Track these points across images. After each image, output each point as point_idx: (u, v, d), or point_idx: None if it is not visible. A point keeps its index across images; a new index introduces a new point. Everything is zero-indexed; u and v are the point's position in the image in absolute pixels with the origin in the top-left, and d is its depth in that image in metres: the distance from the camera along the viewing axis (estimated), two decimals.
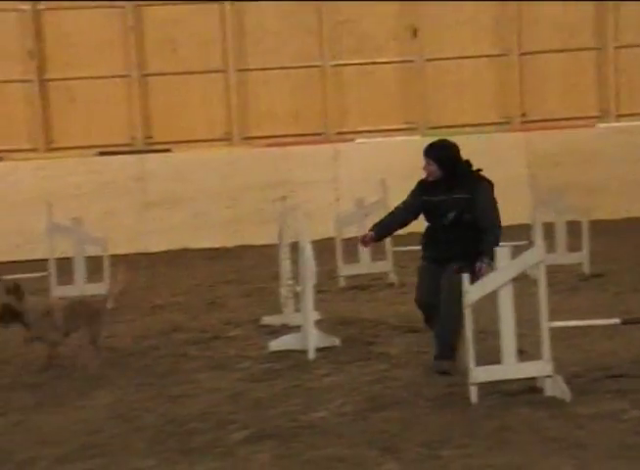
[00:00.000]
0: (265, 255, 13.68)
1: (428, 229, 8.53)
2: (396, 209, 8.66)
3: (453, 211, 8.20)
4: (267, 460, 6.16)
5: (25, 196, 15.86)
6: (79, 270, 11.88)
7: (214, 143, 17.23)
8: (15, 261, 14.79)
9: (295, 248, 9.32)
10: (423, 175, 8.51)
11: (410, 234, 16.06)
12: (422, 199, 8.41)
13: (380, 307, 10.78)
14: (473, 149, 17.78)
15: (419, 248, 13.61)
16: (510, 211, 16.79)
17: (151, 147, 17.03)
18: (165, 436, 6.75)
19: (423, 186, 8.48)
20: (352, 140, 17.01)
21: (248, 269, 13.26)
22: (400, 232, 15.79)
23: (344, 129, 17.35)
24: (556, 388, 7.10)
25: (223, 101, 17.27)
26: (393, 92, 17.64)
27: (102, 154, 16.51)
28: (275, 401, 7.42)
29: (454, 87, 17.73)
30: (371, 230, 8.61)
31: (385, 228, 8.67)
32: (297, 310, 9.60)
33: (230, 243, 16.02)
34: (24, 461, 6.35)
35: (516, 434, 6.42)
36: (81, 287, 11.74)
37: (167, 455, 6.34)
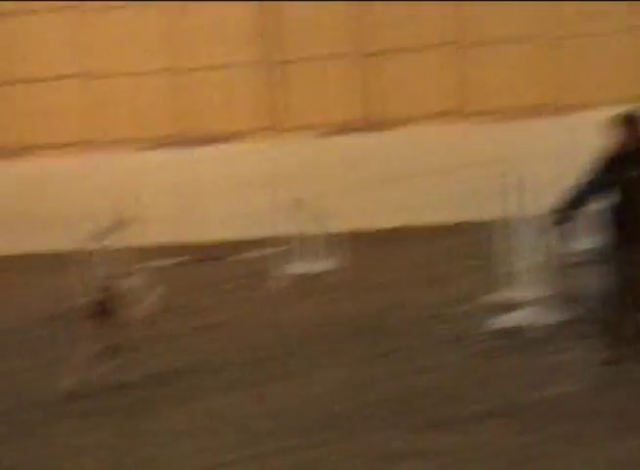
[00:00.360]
0: (487, 231, 13.57)
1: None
2: None
3: None
4: (497, 437, 6.14)
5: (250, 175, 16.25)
6: (304, 248, 12.12)
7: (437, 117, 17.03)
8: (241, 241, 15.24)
9: (517, 223, 9.21)
10: None
11: None
12: None
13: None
14: None
15: None
16: None
17: None
18: (398, 410, 6.85)
19: None
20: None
21: (468, 246, 13.18)
22: None
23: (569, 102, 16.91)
24: None
25: None
26: None
27: None
28: (505, 378, 7.39)
29: None
30: None
31: None
32: (523, 287, 9.49)
33: (449, 219, 15.93)
34: (260, 432, 6.57)
35: None
36: (306, 265, 12.00)
37: (402, 429, 6.42)
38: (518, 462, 5.70)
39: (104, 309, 7.96)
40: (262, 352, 8.81)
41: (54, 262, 12.10)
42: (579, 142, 15.95)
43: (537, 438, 6.08)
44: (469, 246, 13.24)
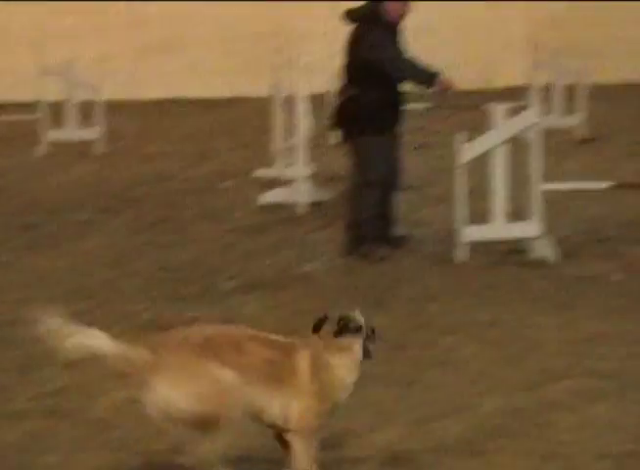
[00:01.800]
0: (259, 107, 13.57)
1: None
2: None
3: None
4: (256, 310, 6.25)
5: (19, 35, 15.61)
6: (71, 115, 11.78)
7: None
8: (5, 104, 14.65)
9: (289, 101, 9.24)
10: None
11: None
12: None
13: None
14: (473, 9, 17.45)
15: (413, 107, 13.48)
16: (508, 71, 16.65)
17: None
18: (156, 282, 6.83)
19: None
20: None
21: (241, 121, 13.19)
22: None
23: None
24: (543, 249, 7.16)
25: None
26: None
27: None
28: (265, 253, 7.48)
29: None
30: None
31: None
32: (290, 164, 9.59)
33: (224, 93, 15.85)
34: (17, 301, 6.42)
35: (502, 292, 6.51)
36: (73, 132, 11.67)
37: (157, 301, 6.42)
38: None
39: None
40: (23, 219, 8.57)
41: None
42: None
43: (291, 312, 6.21)
44: (241, 121, 13.24)
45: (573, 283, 6.65)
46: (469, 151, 7.15)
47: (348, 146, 7.20)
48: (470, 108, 13.20)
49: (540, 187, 7.18)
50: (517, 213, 7.60)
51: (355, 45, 7.25)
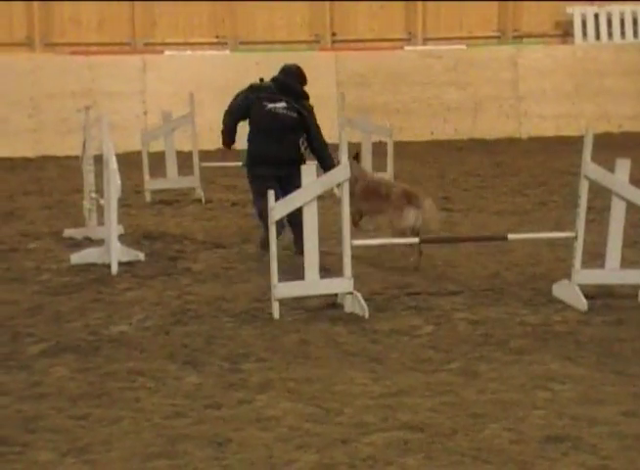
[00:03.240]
0: (68, 166, 13.35)
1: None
2: None
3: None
4: (65, 373, 6.08)
5: None
6: None
7: (14, 48, 16.58)
8: None
9: (99, 160, 9.12)
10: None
11: (218, 150, 16.03)
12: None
13: (185, 223, 10.73)
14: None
15: (227, 164, 13.61)
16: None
17: None
18: None
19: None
20: (161, 52, 16.70)
21: (49, 181, 12.93)
22: (209, 147, 15.75)
23: (153, 40, 17.02)
24: (355, 304, 7.26)
25: (24, 3, 16.59)
26: (203, 5, 17.37)
27: None
28: (75, 315, 7.31)
29: (265, 3, 17.61)
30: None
31: None
32: (101, 224, 9.44)
33: (31, 153, 15.54)
34: None
35: (316, 348, 6.55)
36: None
37: None
38: (84, 397, 5.66)
39: None
40: None
41: None
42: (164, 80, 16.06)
43: (102, 374, 6.07)
44: (49, 180, 12.97)
45: (384, 337, 6.76)
46: (280, 208, 7.21)
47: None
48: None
49: (351, 243, 7.30)
50: (330, 269, 7.70)
51: (303, 113, 9.06)
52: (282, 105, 9.06)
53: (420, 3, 18.22)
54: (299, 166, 7.44)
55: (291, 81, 9.17)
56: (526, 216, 10.61)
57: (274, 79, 9.25)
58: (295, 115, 9.03)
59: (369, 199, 8.94)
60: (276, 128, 8.99)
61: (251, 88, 9.26)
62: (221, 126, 9.40)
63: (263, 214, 8.03)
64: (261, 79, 9.41)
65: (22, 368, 6.18)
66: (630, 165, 7.42)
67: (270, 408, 5.49)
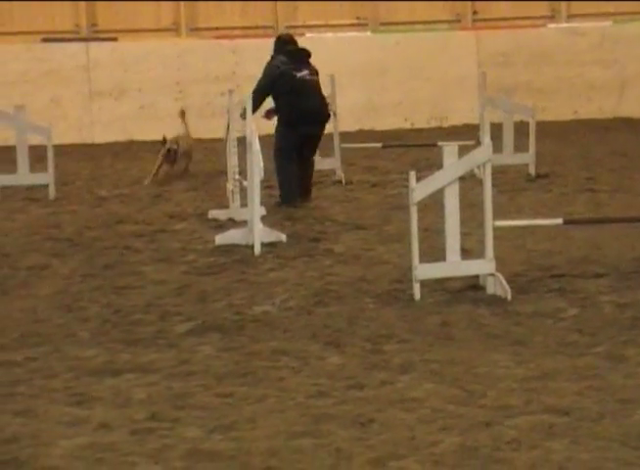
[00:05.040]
0: (213, 149, 13.59)
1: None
2: None
3: None
4: (211, 352, 6.21)
5: None
6: (22, 159, 11.68)
7: (161, 33, 16.93)
8: None
9: (243, 142, 9.26)
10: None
11: (358, 132, 16.05)
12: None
13: (326, 204, 10.81)
14: (424, 46, 17.72)
15: (367, 145, 13.57)
16: (459, 109, 16.84)
17: (96, 35, 16.69)
18: (109, 326, 6.77)
19: None
20: (302, 35, 16.79)
21: (195, 163, 13.16)
22: (350, 129, 15.76)
23: (294, 23, 17.13)
24: (498, 286, 7.19)
25: None
26: None
27: (46, 40, 16.14)
28: (220, 295, 7.45)
29: None
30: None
31: None
32: (244, 205, 9.59)
33: None
34: None
35: (457, 330, 6.52)
36: (24, 176, 11.59)
37: (110, 345, 6.36)
38: (230, 376, 5.77)
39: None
40: None
41: None
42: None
43: (246, 353, 6.18)
44: (194, 163, 13.22)
45: (527, 319, 6.68)
46: (421, 189, 7.19)
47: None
48: (422, 146, 13.34)
49: (493, 224, 7.23)
50: (471, 251, 7.65)
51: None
52: (306, 72, 10.66)
53: None
54: None
55: (300, 49, 10.81)
56: None
57: (287, 52, 10.73)
58: (317, 77, 10.73)
59: None
60: (312, 93, 10.61)
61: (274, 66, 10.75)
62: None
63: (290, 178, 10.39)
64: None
65: (171, 346, 6.34)
66: None
67: (412, 390, 5.50)
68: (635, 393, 5.33)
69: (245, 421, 5.13)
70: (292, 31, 15.39)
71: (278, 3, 17.21)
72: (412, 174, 7.15)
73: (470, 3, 17.59)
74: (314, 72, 10.76)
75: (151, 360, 6.09)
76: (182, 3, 17.00)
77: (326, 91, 12.26)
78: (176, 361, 6.06)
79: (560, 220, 8.21)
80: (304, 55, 10.77)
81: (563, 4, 17.76)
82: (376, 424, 5.04)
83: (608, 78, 16.67)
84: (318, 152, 12.20)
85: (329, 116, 10.93)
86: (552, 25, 17.37)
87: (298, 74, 10.59)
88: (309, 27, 17.00)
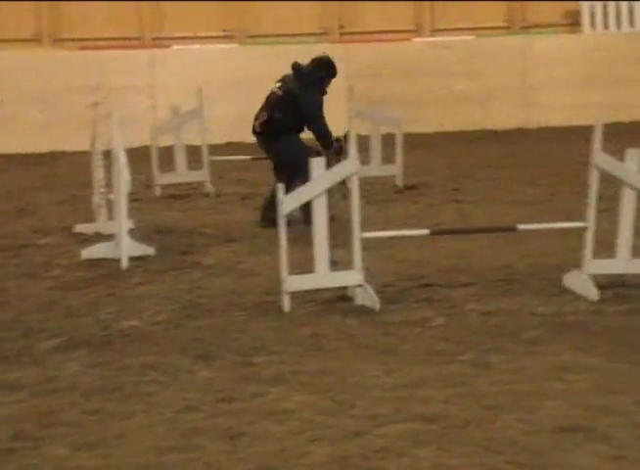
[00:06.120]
0: (79, 162, 13.38)
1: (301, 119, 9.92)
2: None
3: None
4: (78, 368, 6.09)
5: None
6: None
7: (23, 44, 16.60)
8: None
9: (109, 155, 9.14)
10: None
11: (228, 144, 16.02)
12: None
13: (196, 217, 10.74)
14: (291, 59, 17.79)
15: (237, 158, 13.58)
16: (328, 122, 16.90)
17: None
18: None
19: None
20: (170, 46, 16.70)
21: (60, 176, 12.95)
22: (219, 141, 15.73)
23: (161, 35, 17.03)
24: (366, 296, 7.26)
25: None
26: None
27: None
28: (87, 310, 7.32)
29: None
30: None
31: None
32: (111, 219, 9.45)
33: (42, 149, 15.56)
34: None
35: (327, 341, 6.55)
36: None
37: None
38: (97, 392, 5.67)
39: None
40: None
41: None
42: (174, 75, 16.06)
43: (114, 369, 6.08)
44: (60, 176, 13.00)
45: (396, 329, 6.76)
46: (290, 201, 7.21)
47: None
48: None
49: (361, 235, 7.29)
50: (340, 262, 7.70)
51: (300, 92, 9.81)
52: (278, 85, 9.98)
53: None
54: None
55: (305, 66, 9.95)
56: (538, 207, 10.60)
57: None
58: (280, 93, 9.87)
59: None
60: (263, 105, 9.99)
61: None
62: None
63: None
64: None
65: (36, 363, 6.19)
66: None
67: (283, 401, 5.50)
68: (499, 399, 5.43)
69: (112, 438, 5.04)
70: (158, 43, 15.31)
71: (144, 14, 17.07)
72: (280, 187, 7.16)
73: (337, 16, 17.77)
74: (284, 87, 9.94)
75: (16, 378, 5.94)
76: (44, 12, 16.70)
77: (192, 103, 12.22)
78: (42, 378, 5.92)
79: (427, 231, 8.33)
80: (295, 69, 10.02)
81: (427, 18, 18.10)
82: (246, 437, 5.02)
83: (473, 91, 17.04)
84: (186, 164, 12.15)
85: (260, 133, 10.02)
86: (417, 39, 17.68)
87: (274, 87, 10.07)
88: (176, 39, 16.92)
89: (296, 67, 10.02)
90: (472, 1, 18.36)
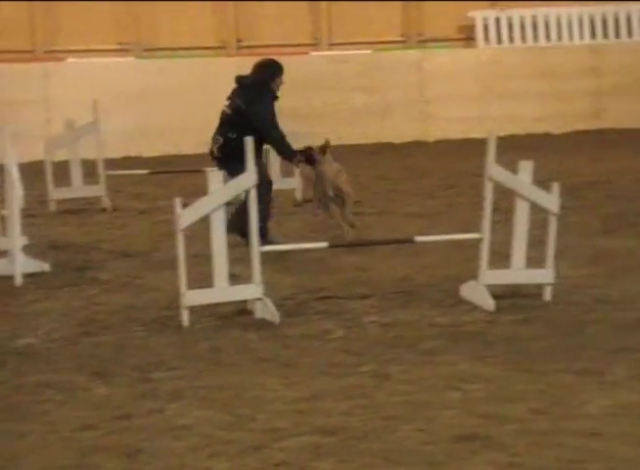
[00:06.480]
0: None
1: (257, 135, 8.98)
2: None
3: None
4: None
5: None
6: None
7: None
8: None
9: (1, 170, 8.95)
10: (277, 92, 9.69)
11: (125, 158, 15.86)
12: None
13: (92, 232, 10.60)
14: (189, 72, 17.71)
15: (134, 172, 13.43)
16: None
17: None
18: None
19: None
20: (64, 60, 16.47)
21: None
22: (116, 156, 15.55)
23: (55, 48, 16.79)
24: (266, 310, 7.24)
25: None
26: (106, 11, 17.20)
27: None
28: None
29: (170, 9, 17.51)
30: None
31: None
32: (4, 235, 9.26)
33: None
34: None
35: (227, 355, 6.52)
36: None
37: None
38: None
39: None
40: None
41: None
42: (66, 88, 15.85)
43: (9, 388, 5.96)
44: None
45: (296, 342, 6.75)
46: (187, 215, 7.16)
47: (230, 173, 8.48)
48: (189, 172, 13.31)
49: (260, 249, 7.27)
50: (240, 276, 7.67)
51: (246, 106, 9.36)
52: (227, 103, 9.59)
53: (325, 8, 18.29)
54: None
55: (247, 76, 9.60)
56: (436, 218, 10.72)
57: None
58: (229, 111, 9.47)
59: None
60: (217, 126, 9.59)
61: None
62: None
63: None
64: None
65: None
66: (534, 167, 7.53)
67: (182, 417, 5.44)
68: (398, 409, 5.46)
69: (6, 459, 4.93)
70: (52, 56, 15.12)
71: (37, 27, 16.81)
72: (177, 201, 7.11)
73: (233, 30, 17.75)
74: (232, 104, 9.52)
75: None
76: None
77: (88, 117, 12.06)
78: None
79: (325, 244, 8.36)
80: (238, 82, 9.64)
81: (325, 32, 18.20)
82: (144, 454, 4.95)
83: (371, 104, 17.18)
84: (81, 179, 11.98)
85: (218, 158, 9.48)
86: (315, 53, 17.76)
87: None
88: (71, 52, 16.70)
89: (238, 79, 9.62)
90: (368, 15, 18.53)
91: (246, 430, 5.24)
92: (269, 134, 9.35)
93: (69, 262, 9.16)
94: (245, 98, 9.41)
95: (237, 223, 8.96)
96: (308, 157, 9.51)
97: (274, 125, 9.40)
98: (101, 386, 5.98)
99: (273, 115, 9.47)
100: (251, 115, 9.35)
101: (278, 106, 9.75)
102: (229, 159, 9.16)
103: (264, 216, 9.15)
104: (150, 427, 5.31)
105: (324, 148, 9.60)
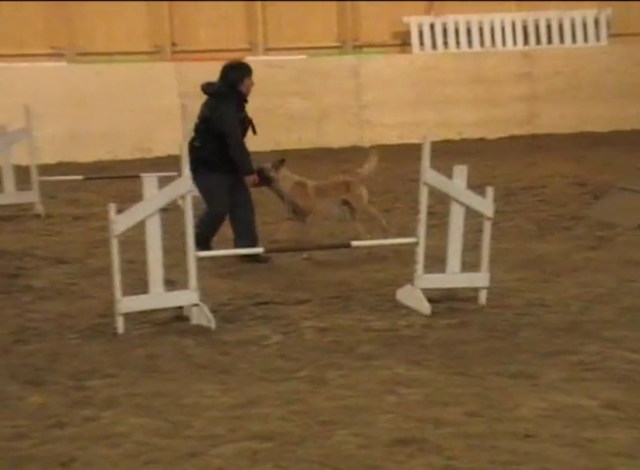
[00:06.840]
0: None
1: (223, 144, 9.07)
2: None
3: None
4: None
5: None
6: None
7: None
8: None
9: None
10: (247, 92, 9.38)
11: (59, 164, 15.70)
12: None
13: (25, 239, 10.47)
14: (125, 77, 17.58)
15: (68, 178, 13.29)
16: (163, 141, 16.81)
17: None
18: None
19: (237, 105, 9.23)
20: None
21: None
22: (50, 161, 15.39)
23: None
24: (202, 316, 7.20)
25: None
26: (38, 15, 17.02)
27: None
28: None
29: (104, 13, 17.38)
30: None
31: None
32: None
33: None
34: None
35: (163, 362, 6.47)
36: None
37: None
38: None
39: None
40: None
41: None
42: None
43: None
44: None
45: (232, 348, 6.73)
46: (122, 221, 7.10)
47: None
48: (125, 177, 13.22)
49: (195, 254, 7.24)
50: (176, 282, 7.62)
51: (210, 113, 9.10)
52: (198, 112, 9.31)
53: (260, 13, 18.28)
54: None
55: (214, 82, 9.26)
56: (373, 223, 10.73)
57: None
58: (197, 120, 9.23)
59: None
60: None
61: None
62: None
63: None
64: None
65: None
66: (468, 171, 7.59)
67: (117, 425, 5.39)
68: (335, 414, 5.47)
69: None
70: None
71: None
72: (112, 206, 7.05)
73: (169, 35, 17.67)
74: (200, 113, 9.24)
75: None
76: None
77: (20, 122, 11.91)
78: None
79: (261, 249, 8.34)
80: (204, 90, 9.28)
81: (260, 37, 18.19)
82: (78, 463, 4.90)
83: (307, 109, 17.20)
84: (14, 185, 11.84)
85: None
86: (250, 58, 17.73)
87: None
88: (2, 57, 16.50)
89: (204, 87, 9.23)
90: (304, 20, 18.56)
91: (182, 437, 5.21)
92: (230, 141, 9.04)
93: (2, 270, 9.04)
94: (212, 104, 9.13)
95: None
96: (262, 178, 9.36)
97: (235, 134, 9.08)
98: (34, 394, 5.91)
99: (234, 123, 9.12)
100: (214, 119, 9.06)
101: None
102: (193, 169, 8.27)
103: (208, 225, 9.10)
104: (84, 435, 5.25)
105: (277, 164, 9.50)
